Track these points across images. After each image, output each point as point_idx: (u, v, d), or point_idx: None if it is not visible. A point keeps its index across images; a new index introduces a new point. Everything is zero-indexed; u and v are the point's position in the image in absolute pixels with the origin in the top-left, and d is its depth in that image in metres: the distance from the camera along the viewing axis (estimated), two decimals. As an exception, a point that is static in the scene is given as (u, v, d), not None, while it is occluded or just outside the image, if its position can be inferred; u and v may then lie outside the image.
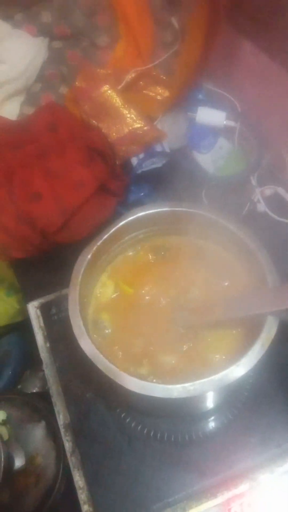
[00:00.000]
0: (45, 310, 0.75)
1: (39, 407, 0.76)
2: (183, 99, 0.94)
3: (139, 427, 0.62)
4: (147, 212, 0.60)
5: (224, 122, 0.93)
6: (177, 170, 0.94)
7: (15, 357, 1.14)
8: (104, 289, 0.60)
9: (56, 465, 0.71)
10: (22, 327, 1.10)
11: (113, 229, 0.59)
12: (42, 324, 0.74)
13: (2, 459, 0.65)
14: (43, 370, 1.23)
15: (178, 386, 0.45)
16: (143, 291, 0.58)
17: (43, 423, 0.74)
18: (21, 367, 1.16)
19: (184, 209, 0.59)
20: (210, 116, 0.94)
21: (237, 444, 0.60)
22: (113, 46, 0.98)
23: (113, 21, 0.95)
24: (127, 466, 0.60)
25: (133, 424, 0.63)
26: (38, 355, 1.22)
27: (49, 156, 0.85)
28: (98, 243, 0.57)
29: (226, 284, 0.57)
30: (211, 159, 0.93)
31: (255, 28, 0.76)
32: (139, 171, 0.95)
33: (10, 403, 0.77)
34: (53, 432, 0.73)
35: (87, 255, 0.56)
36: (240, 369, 0.45)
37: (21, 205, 0.79)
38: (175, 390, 0.45)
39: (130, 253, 0.63)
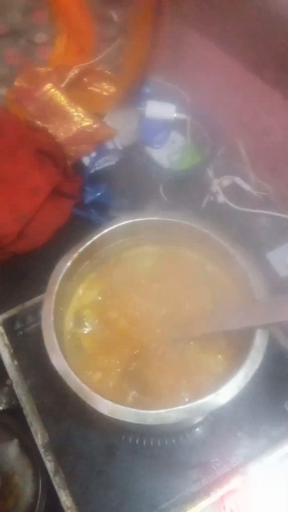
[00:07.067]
0: (8, 326, 0.70)
1: (9, 424, 0.70)
2: (131, 94, 0.92)
3: (123, 437, 0.60)
4: (136, 220, 0.57)
5: (174, 115, 0.92)
6: (132, 167, 0.91)
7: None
8: (85, 298, 0.56)
9: (34, 482, 0.66)
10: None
11: (97, 236, 0.55)
12: (7, 341, 0.69)
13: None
14: (7, 385, 1.18)
15: (152, 412, 0.42)
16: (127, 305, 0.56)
17: (15, 441, 0.69)
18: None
19: (175, 220, 0.57)
20: (159, 109, 0.92)
21: (225, 440, 0.59)
22: (51, 43, 0.94)
23: (50, 18, 0.91)
24: (116, 479, 0.58)
25: (117, 435, 0.60)
26: (2, 369, 1.17)
27: (-2, 162, 0.80)
28: (80, 250, 0.53)
29: (215, 299, 0.56)
30: (166, 154, 0.92)
31: (202, 18, 0.74)
32: (92, 171, 0.92)
33: (-23, 422, 0.71)
34: (27, 449, 0.68)
35: (66, 262, 0.52)
36: (220, 399, 0.43)
37: (-28, 216, 0.74)
38: (149, 417, 0.42)
39: (112, 262, 0.60)
